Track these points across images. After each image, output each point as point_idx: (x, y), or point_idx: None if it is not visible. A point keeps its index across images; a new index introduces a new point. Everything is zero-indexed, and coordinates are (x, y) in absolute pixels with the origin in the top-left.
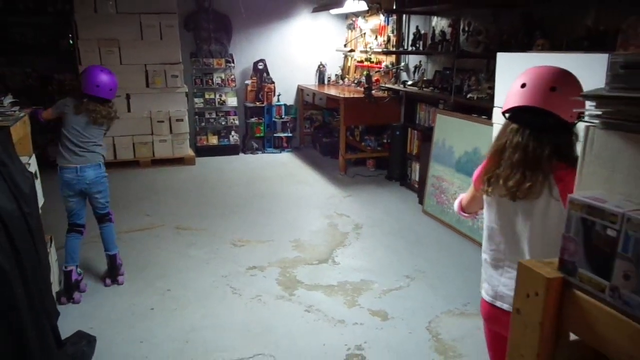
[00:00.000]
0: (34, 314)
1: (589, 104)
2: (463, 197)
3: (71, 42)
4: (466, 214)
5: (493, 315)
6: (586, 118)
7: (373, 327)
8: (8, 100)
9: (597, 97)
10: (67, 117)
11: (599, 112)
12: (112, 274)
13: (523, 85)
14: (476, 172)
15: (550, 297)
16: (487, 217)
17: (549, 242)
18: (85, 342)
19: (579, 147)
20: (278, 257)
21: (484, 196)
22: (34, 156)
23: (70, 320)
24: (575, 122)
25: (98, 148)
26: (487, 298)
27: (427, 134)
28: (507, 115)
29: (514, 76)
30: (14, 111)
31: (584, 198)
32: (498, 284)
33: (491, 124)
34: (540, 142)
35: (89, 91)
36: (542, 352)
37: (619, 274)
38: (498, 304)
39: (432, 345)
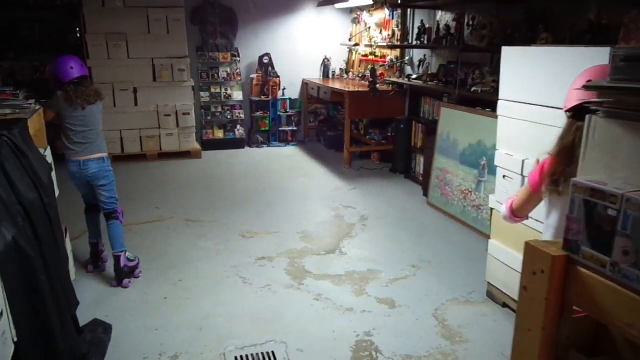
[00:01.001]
0: (55, 299)
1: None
2: (513, 200)
3: (78, 35)
4: (516, 218)
5: None
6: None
7: (381, 314)
8: (23, 93)
9: (598, 87)
10: (64, 110)
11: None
12: (117, 275)
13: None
14: (535, 174)
15: (555, 274)
16: (548, 218)
17: None
18: (101, 329)
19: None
20: (286, 248)
21: (546, 198)
22: (49, 148)
23: (85, 309)
24: None
25: (100, 139)
26: None
27: (431, 127)
28: (568, 114)
29: (518, 69)
30: (30, 104)
31: (586, 182)
32: None
33: (495, 117)
34: None
35: (67, 77)
36: (548, 325)
37: (618, 250)
38: None
39: (438, 331)
